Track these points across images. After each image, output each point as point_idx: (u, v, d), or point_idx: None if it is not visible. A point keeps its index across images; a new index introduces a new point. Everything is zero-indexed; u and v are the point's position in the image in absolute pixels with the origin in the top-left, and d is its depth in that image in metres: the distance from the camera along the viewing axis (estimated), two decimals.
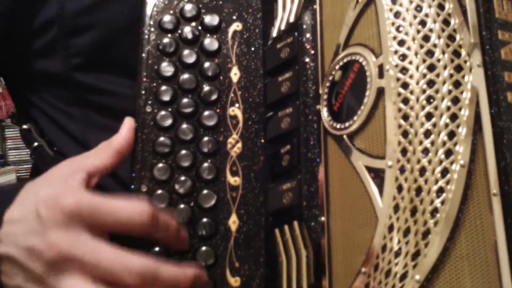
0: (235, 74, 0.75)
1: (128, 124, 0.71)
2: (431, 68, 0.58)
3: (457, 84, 0.57)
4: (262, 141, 0.72)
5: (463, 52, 0.58)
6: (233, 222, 0.70)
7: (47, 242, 0.61)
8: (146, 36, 0.75)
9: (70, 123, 0.87)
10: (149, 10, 0.76)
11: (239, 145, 0.72)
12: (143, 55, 0.74)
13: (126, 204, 0.63)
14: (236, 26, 0.76)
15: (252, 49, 0.76)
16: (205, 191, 0.71)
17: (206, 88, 0.74)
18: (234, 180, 0.71)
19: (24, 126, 0.89)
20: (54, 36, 0.84)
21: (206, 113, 0.73)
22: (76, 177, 0.64)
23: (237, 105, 0.74)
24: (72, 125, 0.87)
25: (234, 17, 0.77)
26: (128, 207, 0.62)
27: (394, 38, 0.60)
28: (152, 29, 0.75)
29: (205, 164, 0.71)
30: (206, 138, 0.72)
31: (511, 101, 0.57)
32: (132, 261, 0.61)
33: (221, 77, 0.74)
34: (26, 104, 0.91)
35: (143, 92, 0.73)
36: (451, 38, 0.58)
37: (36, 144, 0.87)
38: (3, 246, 0.63)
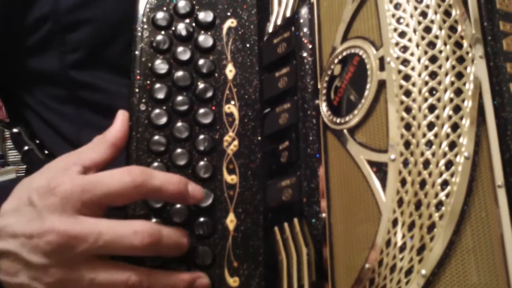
0: (230, 71, 0.73)
1: (121, 116, 0.70)
2: (433, 59, 0.57)
3: (459, 76, 0.56)
4: (259, 138, 0.71)
5: (465, 43, 0.57)
6: (231, 221, 0.69)
7: (44, 227, 0.60)
8: (139, 33, 0.74)
9: (63, 123, 0.86)
10: (142, 6, 0.75)
11: (236, 142, 0.71)
12: (136, 52, 0.73)
13: (113, 172, 0.62)
14: (231, 22, 0.75)
15: (247, 45, 0.75)
16: None
17: (201, 85, 0.72)
18: (231, 178, 0.70)
19: (15, 130, 0.88)
20: (49, 32, 0.84)
21: (202, 110, 0.72)
22: (72, 170, 0.64)
23: (232, 102, 0.72)
24: (65, 126, 0.86)
25: (229, 14, 0.76)
26: (115, 173, 0.62)
27: (395, 30, 0.59)
28: (145, 26, 0.74)
29: (201, 163, 0.70)
30: (201, 136, 0.71)
31: None
32: (135, 223, 0.62)
33: (216, 74, 0.73)
34: (18, 105, 0.90)
35: (137, 90, 0.72)
36: (453, 29, 0.57)
37: (26, 147, 0.86)
38: (1, 241, 0.62)
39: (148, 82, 0.72)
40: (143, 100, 0.71)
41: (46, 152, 0.86)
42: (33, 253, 0.60)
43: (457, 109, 0.55)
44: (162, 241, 0.62)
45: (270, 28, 0.72)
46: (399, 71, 0.57)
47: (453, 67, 0.56)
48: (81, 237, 0.59)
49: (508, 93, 0.56)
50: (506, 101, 0.56)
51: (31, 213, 0.61)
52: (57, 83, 0.85)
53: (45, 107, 0.87)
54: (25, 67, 0.86)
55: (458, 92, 0.56)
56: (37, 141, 0.87)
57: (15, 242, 0.61)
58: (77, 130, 0.86)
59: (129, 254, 0.61)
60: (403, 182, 0.55)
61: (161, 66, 0.72)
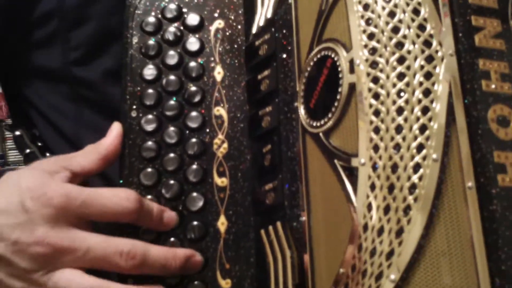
0: (218, 73, 0.74)
1: (116, 130, 0.71)
2: (401, 60, 0.56)
3: (428, 75, 0.55)
4: (248, 139, 0.71)
5: (434, 42, 0.56)
6: (222, 223, 0.70)
7: (34, 237, 0.61)
8: (129, 40, 0.75)
9: (64, 122, 0.88)
10: (130, 12, 0.75)
11: (225, 145, 0.72)
12: (127, 59, 0.74)
13: (112, 193, 0.65)
14: (218, 23, 0.76)
15: (235, 46, 0.75)
16: (192, 194, 0.70)
17: (190, 89, 0.73)
18: (221, 181, 0.71)
19: (17, 133, 0.90)
20: (54, 29, 0.85)
21: (191, 114, 0.72)
22: (61, 175, 0.65)
23: (221, 104, 0.73)
24: (66, 124, 0.88)
25: (216, 15, 0.76)
26: (115, 195, 0.64)
27: (364, 31, 0.58)
28: (134, 32, 0.75)
29: (192, 167, 0.71)
30: (192, 140, 0.72)
31: (486, 90, 0.55)
32: (121, 242, 0.63)
33: (205, 77, 0.74)
34: (22, 103, 0.91)
35: (128, 96, 0.73)
36: (422, 27, 0.57)
37: (28, 150, 0.88)
38: None
39: (139, 88, 0.73)
40: (134, 107, 0.72)
41: (48, 155, 0.88)
42: (18, 257, 0.62)
43: (425, 110, 0.55)
44: (147, 261, 0.63)
45: (254, 29, 0.72)
46: (368, 74, 0.57)
47: (422, 67, 0.55)
48: (69, 250, 0.61)
49: (479, 91, 0.55)
50: (478, 99, 0.55)
51: (23, 219, 0.62)
52: (59, 79, 0.87)
53: (47, 105, 0.89)
54: (28, 63, 0.87)
55: (427, 92, 0.55)
56: (39, 144, 0.89)
57: (1, 242, 0.62)
58: (76, 129, 0.87)
59: (115, 271, 0.63)
60: (372, 186, 0.54)
61: (150, 72, 0.73)
